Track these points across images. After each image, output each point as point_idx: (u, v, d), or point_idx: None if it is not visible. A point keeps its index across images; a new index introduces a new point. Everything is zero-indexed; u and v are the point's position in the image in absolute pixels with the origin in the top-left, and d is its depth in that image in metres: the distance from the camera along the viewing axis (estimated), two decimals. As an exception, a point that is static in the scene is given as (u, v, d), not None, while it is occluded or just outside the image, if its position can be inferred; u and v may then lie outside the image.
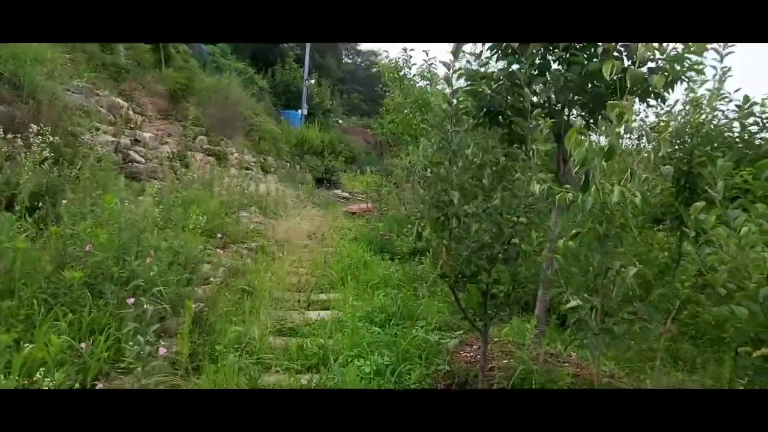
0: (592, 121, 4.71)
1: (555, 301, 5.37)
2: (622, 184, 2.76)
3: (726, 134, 5.94)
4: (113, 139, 9.82)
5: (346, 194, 21.42)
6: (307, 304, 7.42)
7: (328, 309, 7.23)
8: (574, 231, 3.17)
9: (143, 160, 10.68)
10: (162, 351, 3.95)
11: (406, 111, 12.60)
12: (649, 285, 2.93)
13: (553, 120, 3.89)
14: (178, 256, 6.59)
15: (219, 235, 8.29)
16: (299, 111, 26.74)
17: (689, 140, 6.72)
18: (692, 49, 4.29)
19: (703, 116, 6.39)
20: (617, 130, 2.77)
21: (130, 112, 11.79)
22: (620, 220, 2.83)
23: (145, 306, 4.23)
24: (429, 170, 4.44)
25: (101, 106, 10.48)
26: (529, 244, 3.85)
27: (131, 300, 4.39)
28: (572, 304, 2.98)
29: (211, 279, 6.82)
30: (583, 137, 2.88)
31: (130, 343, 3.79)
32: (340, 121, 31.46)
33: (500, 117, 4.93)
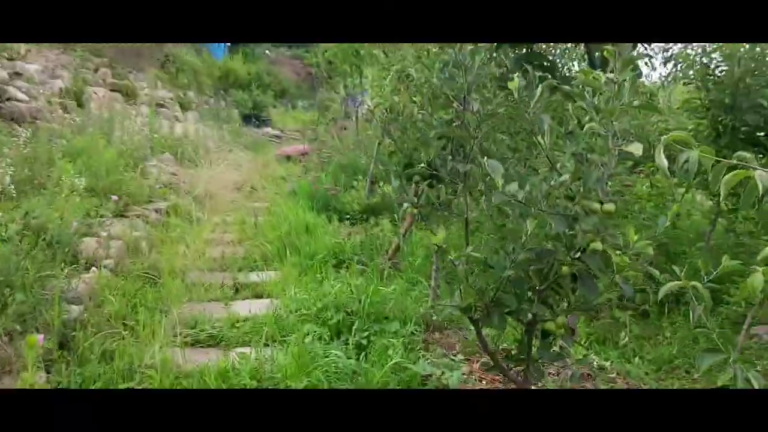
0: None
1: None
2: None
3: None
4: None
5: (277, 132, 19.31)
6: (234, 289, 5.62)
7: (262, 296, 5.47)
8: None
9: (26, 98, 8.34)
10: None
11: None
12: None
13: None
14: (45, 233, 4.65)
15: (114, 197, 6.28)
16: (222, 39, 23.90)
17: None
18: None
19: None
20: None
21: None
22: None
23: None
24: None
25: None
26: (618, 248, 2.19)
27: None
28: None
29: (95, 265, 4.89)
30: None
31: None
32: (268, 52, 28.72)
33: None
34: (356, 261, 5.83)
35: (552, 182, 2.08)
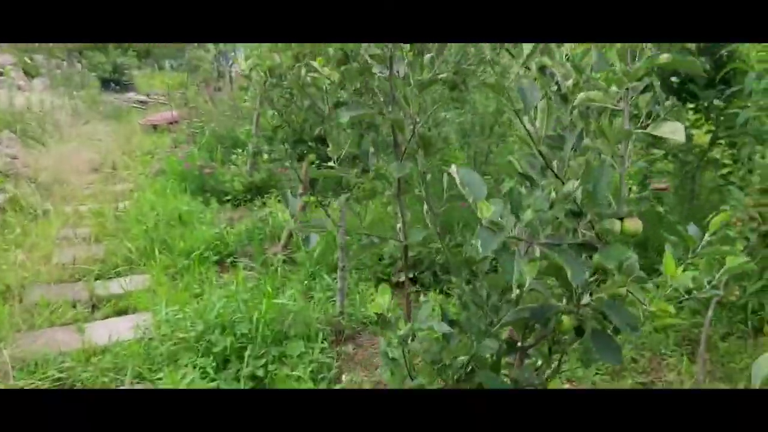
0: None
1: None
2: None
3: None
4: None
5: (142, 98, 17.48)
6: (90, 306, 4.50)
7: (127, 312, 4.39)
8: None
9: None
10: None
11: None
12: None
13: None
14: None
15: None
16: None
17: None
18: None
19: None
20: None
21: None
22: None
23: None
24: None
25: None
26: (644, 284, 1.43)
27: None
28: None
29: None
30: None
31: None
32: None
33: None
34: (243, 261, 4.85)
35: (553, 195, 1.26)
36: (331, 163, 1.69)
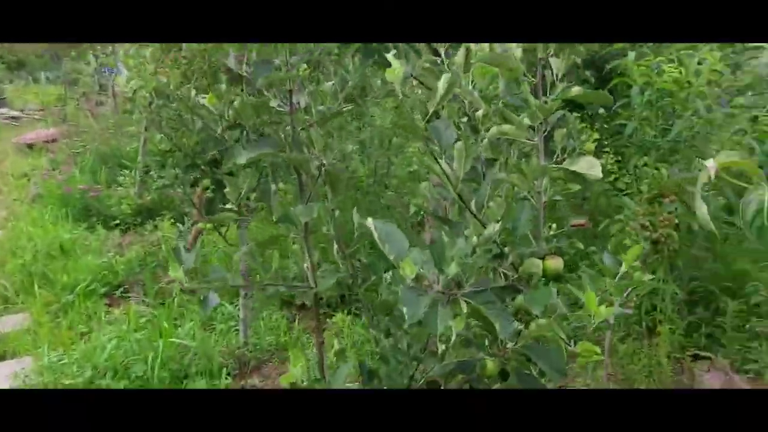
0: None
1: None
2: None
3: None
4: None
5: (15, 113, 16.19)
6: (-43, 354, 4.02)
7: (5, 357, 3.97)
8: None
9: None
10: None
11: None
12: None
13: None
14: None
15: None
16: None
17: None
18: None
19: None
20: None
21: None
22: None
23: None
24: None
25: None
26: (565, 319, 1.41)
27: None
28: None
29: None
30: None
31: None
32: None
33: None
34: (133, 295, 4.52)
35: (474, 240, 1.19)
36: (229, 206, 1.54)
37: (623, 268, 1.48)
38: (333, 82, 1.78)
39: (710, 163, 0.97)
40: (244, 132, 3.74)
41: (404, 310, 0.98)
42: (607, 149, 5.04)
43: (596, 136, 5.13)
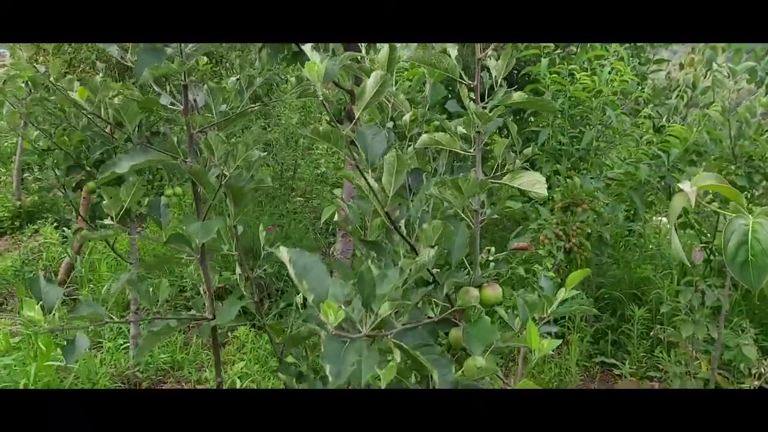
0: None
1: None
2: None
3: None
4: None
5: None
6: None
7: None
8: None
9: None
10: None
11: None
12: None
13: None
14: None
15: None
16: None
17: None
18: None
19: None
20: None
21: None
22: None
23: None
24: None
25: None
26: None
27: None
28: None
29: None
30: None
31: None
32: None
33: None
34: (5, 313, 4.03)
35: (407, 271, 1.00)
36: (108, 221, 1.27)
37: (563, 294, 1.34)
38: (238, 77, 1.55)
39: (687, 187, 0.83)
40: (135, 130, 3.42)
41: (326, 368, 0.78)
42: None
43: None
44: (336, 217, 2.71)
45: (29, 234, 5.32)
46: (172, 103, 1.27)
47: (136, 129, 1.29)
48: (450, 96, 3.46)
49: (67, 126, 3.15)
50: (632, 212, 4.27)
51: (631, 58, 4.43)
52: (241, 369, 3.49)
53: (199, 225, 1.18)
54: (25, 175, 5.69)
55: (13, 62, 3.02)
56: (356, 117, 1.03)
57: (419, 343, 0.99)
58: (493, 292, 1.18)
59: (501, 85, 1.24)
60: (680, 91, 5.19)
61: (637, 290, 4.46)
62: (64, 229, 5.19)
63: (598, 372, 4.01)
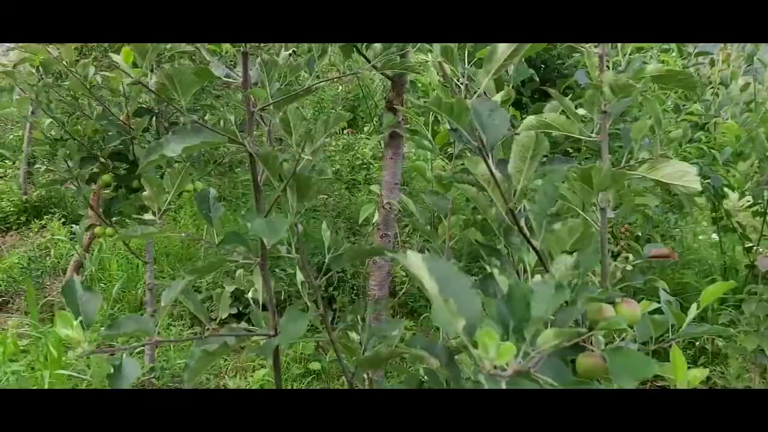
0: None
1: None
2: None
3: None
4: None
5: None
6: None
7: None
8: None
9: None
10: None
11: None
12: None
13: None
14: None
15: None
16: None
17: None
18: None
19: None
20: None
21: None
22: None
23: None
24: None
25: None
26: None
27: None
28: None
29: None
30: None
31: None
32: None
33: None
34: (14, 315, 3.81)
35: (572, 284, 0.78)
36: (149, 216, 1.05)
37: (693, 311, 1.12)
38: (290, 51, 1.33)
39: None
40: (154, 119, 3.19)
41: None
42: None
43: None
44: (375, 217, 2.49)
45: (36, 230, 5.10)
46: (227, 75, 1.05)
47: (175, 106, 1.07)
48: (535, 78, 3.41)
49: (80, 114, 2.94)
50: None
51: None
52: (263, 377, 3.28)
53: (265, 222, 0.96)
54: (36, 166, 5.47)
55: (23, 44, 2.81)
56: (482, 85, 0.81)
57: (561, 378, 0.77)
58: (632, 309, 0.95)
59: (632, 56, 1.01)
60: (714, 87, 4.98)
61: (676, 296, 4.24)
62: (72, 225, 4.97)
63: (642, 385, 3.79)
